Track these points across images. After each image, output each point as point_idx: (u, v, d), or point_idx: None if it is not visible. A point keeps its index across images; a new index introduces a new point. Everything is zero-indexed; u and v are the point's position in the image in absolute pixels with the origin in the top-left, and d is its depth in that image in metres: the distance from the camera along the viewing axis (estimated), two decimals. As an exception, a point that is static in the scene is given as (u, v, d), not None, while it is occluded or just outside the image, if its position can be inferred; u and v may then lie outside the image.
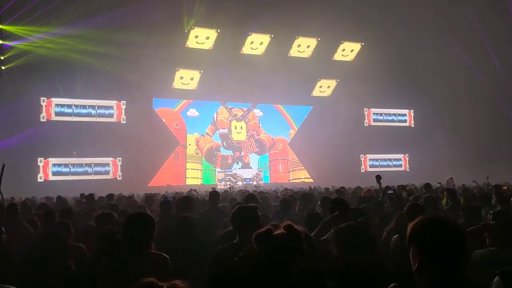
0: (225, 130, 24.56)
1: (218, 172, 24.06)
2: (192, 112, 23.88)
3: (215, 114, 24.45)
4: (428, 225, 1.88)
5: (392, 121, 28.33)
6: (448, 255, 1.81)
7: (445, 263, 1.80)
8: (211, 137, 24.29)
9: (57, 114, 20.83)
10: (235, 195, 10.35)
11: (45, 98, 20.63)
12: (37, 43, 17.58)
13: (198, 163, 23.82)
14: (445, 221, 1.90)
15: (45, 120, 20.50)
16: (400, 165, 27.88)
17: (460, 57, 22.01)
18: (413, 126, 28.24)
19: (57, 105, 20.91)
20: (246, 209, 3.32)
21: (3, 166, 7.95)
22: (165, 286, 1.67)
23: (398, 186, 8.85)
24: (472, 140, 23.33)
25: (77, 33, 17.56)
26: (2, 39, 15.57)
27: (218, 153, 24.11)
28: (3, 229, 4.26)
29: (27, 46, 17.42)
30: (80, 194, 9.12)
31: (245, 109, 25.06)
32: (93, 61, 18.51)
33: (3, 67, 17.08)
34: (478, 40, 21.21)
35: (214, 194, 6.28)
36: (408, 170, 27.22)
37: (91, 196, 8.42)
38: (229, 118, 24.72)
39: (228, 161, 24.37)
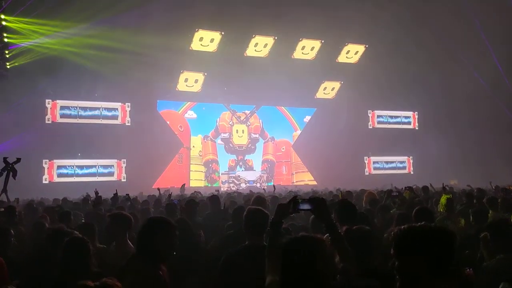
0: (226, 135, 24.60)
1: (222, 174, 24.10)
2: (190, 114, 23.92)
3: (217, 120, 24.50)
4: (434, 236, 1.82)
5: (396, 123, 28.28)
6: (446, 261, 1.79)
7: (444, 269, 1.78)
8: (215, 142, 24.32)
9: (62, 116, 20.92)
10: (237, 199, 10.30)
11: (50, 100, 20.73)
12: (42, 45, 17.66)
13: (202, 165, 23.85)
14: (440, 229, 1.88)
15: (50, 122, 20.60)
16: (404, 168, 27.82)
17: (464, 59, 21.97)
18: (417, 128, 28.17)
19: (62, 107, 21.00)
20: (260, 212, 3.38)
21: (10, 167, 7.96)
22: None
23: (404, 188, 8.82)
24: (476, 142, 23.26)
25: (82, 35, 17.67)
26: (8, 38, 15.62)
27: (213, 168, 24.08)
28: (12, 231, 4.26)
29: (32, 46, 17.49)
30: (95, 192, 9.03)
31: (248, 112, 25.09)
32: (98, 63, 18.61)
33: (8, 66, 17.12)
34: (480, 41, 21.17)
35: (214, 198, 6.62)
36: (412, 172, 27.15)
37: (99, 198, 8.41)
38: (230, 123, 24.75)
39: (231, 164, 24.44)
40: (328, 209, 2.67)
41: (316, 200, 2.64)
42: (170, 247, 2.83)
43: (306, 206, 2.60)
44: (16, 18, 15.89)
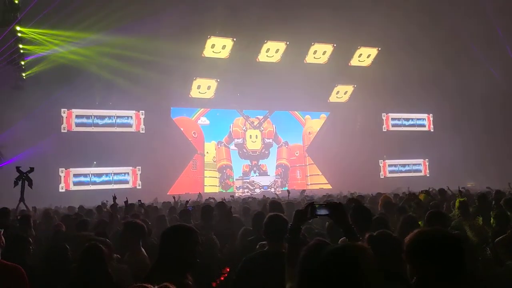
0: (240, 140, 24.63)
1: (236, 179, 24.12)
2: (203, 121, 24.01)
3: (231, 125, 24.57)
4: (438, 238, 1.87)
5: (411, 125, 28.02)
6: (455, 266, 1.82)
7: (453, 274, 1.82)
8: (229, 148, 24.38)
9: (77, 125, 21.20)
10: (251, 205, 10.30)
11: (66, 109, 21.02)
12: (57, 55, 17.95)
13: (216, 171, 23.91)
14: (448, 234, 1.92)
15: (65, 131, 20.88)
16: (420, 170, 27.51)
17: (480, 60, 21.68)
18: (432, 130, 27.87)
19: (77, 116, 21.29)
20: (279, 218, 3.37)
21: (25, 176, 8.06)
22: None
23: (420, 191, 8.71)
24: (493, 143, 22.92)
25: (95, 44, 17.93)
26: (23, 49, 15.93)
27: (227, 174, 24.11)
28: (30, 240, 4.29)
29: (47, 56, 17.79)
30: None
31: (261, 117, 25.11)
32: (112, 71, 18.84)
33: (24, 76, 17.45)
34: (497, 42, 20.89)
35: (220, 205, 6.70)
36: (428, 175, 26.83)
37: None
38: (244, 128, 24.78)
39: (245, 169, 24.44)
40: (346, 214, 2.64)
41: (334, 205, 2.61)
42: (193, 254, 2.76)
43: (323, 211, 2.58)
44: (31, 30, 16.18)
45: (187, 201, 9.11)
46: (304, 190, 15.58)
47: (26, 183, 8.40)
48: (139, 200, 8.63)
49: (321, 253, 1.86)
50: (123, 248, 4.29)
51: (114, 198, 6.58)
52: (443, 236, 1.88)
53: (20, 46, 15.35)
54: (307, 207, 2.60)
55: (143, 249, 4.01)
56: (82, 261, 3.11)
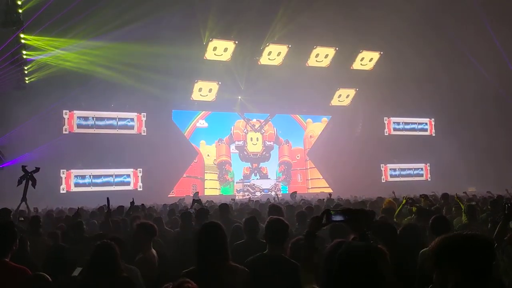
0: (241, 142, 24.63)
1: (236, 182, 24.11)
2: (201, 123, 24.01)
3: (232, 128, 24.58)
4: (475, 245, 1.82)
5: (413, 130, 28.01)
6: (488, 275, 1.78)
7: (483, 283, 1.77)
8: (229, 146, 24.40)
9: (79, 126, 21.23)
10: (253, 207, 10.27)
11: (67, 111, 21.04)
12: (59, 56, 17.99)
13: (216, 173, 23.90)
14: (487, 241, 1.86)
15: (67, 132, 20.90)
16: (421, 175, 27.48)
17: (480, 64, 21.67)
18: (434, 135, 27.85)
19: (79, 117, 21.31)
20: (279, 222, 3.39)
21: (29, 176, 8.05)
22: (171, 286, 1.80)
23: (420, 195, 8.70)
24: (495, 148, 22.88)
25: (98, 47, 17.95)
26: (26, 53, 15.98)
27: (226, 169, 24.12)
28: (27, 240, 4.32)
29: (49, 59, 17.84)
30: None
31: (262, 120, 25.12)
32: (114, 74, 18.86)
33: (26, 81, 17.54)
34: (496, 48, 20.89)
35: (223, 206, 6.83)
36: (429, 179, 26.80)
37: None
38: (245, 130, 24.79)
39: (246, 172, 24.43)
40: (363, 220, 2.63)
41: (349, 212, 2.62)
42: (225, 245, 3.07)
43: (339, 218, 2.60)
44: (35, 37, 16.27)
45: (194, 200, 8.94)
46: (295, 192, 15.52)
47: (30, 182, 8.36)
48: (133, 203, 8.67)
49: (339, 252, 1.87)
50: (136, 248, 4.43)
51: (108, 201, 6.55)
52: (475, 240, 1.84)
53: (24, 52, 15.42)
54: (323, 213, 2.63)
55: (153, 249, 4.32)
56: (95, 259, 3.17)
